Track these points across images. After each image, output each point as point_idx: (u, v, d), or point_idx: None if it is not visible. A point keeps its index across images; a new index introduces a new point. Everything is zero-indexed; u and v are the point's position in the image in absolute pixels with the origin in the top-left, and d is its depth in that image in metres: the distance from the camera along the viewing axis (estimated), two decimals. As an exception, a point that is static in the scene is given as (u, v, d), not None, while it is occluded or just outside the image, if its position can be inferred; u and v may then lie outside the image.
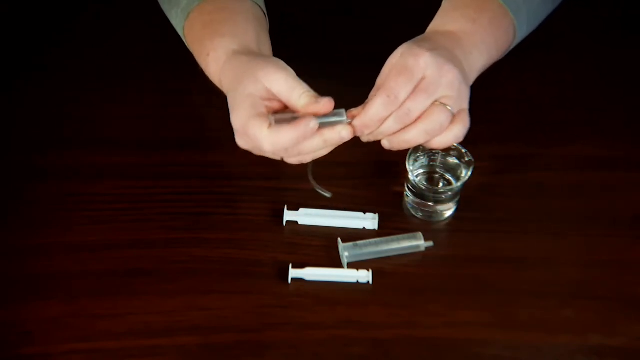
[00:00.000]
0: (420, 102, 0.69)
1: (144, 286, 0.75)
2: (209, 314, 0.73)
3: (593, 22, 1.00)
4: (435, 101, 0.69)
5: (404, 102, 0.69)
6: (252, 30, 0.78)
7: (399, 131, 0.70)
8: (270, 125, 0.68)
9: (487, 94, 0.88)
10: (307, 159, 0.72)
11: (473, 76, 0.76)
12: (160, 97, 0.91)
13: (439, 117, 0.69)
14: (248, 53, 0.75)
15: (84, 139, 0.87)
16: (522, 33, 0.81)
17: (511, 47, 0.82)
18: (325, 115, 0.68)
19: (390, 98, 0.68)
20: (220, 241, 0.78)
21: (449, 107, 0.70)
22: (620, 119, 0.89)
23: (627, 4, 1.01)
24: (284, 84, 0.69)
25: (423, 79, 0.69)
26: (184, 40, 0.82)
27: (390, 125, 0.69)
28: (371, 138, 0.72)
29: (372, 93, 0.71)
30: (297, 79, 0.70)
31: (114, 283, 0.75)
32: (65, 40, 0.97)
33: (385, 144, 0.72)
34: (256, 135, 0.68)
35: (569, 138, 0.87)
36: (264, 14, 0.83)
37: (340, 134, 0.69)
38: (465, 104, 0.72)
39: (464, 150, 0.78)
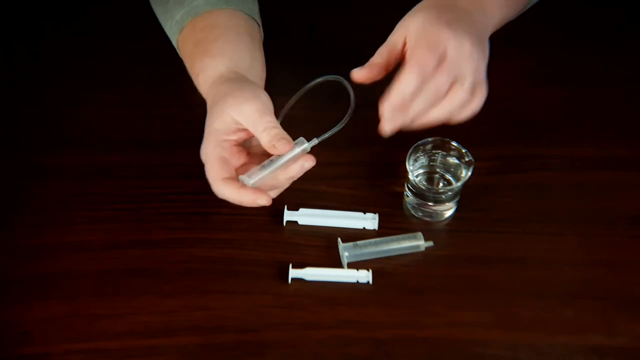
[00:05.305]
0: (444, 81, 0.68)
1: (144, 286, 0.75)
2: (209, 314, 0.73)
3: (595, 20, 0.99)
4: (455, 79, 0.69)
5: (431, 80, 0.68)
6: (244, 48, 0.78)
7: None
8: (224, 179, 0.70)
9: (487, 94, 0.88)
10: (272, 193, 0.73)
11: (489, 31, 0.75)
12: (159, 97, 0.91)
13: (462, 95, 0.69)
14: (231, 78, 0.74)
15: (84, 139, 0.87)
16: None
17: (526, 7, 0.81)
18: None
19: (421, 72, 0.67)
20: (220, 241, 0.78)
21: (468, 82, 0.69)
22: (620, 118, 0.89)
23: (629, 2, 1.01)
24: (250, 115, 0.70)
25: (444, 55, 0.68)
26: (178, 52, 0.82)
27: (418, 106, 0.68)
28: (396, 125, 0.69)
29: (381, 49, 0.71)
30: (264, 110, 0.70)
31: (114, 283, 0.75)
32: (65, 40, 0.97)
33: (386, 128, 0.69)
34: (209, 180, 0.71)
35: (569, 138, 0.87)
36: (258, 25, 0.82)
37: (303, 166, 0.70)
38: (482, 75, 0.71)
39: (464, 150, 0.78)
